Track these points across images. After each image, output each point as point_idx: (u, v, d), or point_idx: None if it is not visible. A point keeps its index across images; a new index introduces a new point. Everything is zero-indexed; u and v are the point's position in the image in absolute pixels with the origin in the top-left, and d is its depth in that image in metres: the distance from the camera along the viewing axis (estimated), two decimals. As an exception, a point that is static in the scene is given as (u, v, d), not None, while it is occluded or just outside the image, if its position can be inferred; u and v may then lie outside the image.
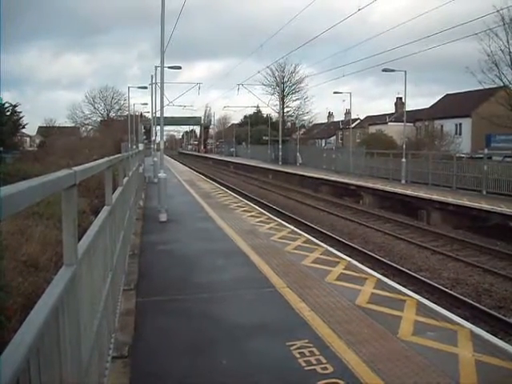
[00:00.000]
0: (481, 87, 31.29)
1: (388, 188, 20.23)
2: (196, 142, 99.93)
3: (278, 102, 51.72)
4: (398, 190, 19.48)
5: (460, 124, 39.48)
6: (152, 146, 32.77)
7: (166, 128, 67.81)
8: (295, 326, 4.79)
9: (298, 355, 4.04)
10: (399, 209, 18.48)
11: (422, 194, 17.86)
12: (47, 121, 60.89)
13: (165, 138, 20.60)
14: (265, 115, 66.57)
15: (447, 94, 47.33)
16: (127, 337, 4.44)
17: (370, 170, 27.07)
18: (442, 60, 79.38)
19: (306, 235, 9.79)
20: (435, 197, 16.92)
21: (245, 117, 73.69)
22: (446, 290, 8.85)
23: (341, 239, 13.09)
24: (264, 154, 47.52)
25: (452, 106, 41.27)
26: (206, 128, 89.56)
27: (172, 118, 65.25)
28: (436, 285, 9.10)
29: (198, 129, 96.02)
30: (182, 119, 75.34)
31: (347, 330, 4.62)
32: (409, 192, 18.57)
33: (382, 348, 4.22)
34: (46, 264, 8.02)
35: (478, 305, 8.07)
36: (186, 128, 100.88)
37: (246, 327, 4.78)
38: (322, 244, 8.97)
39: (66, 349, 1.73)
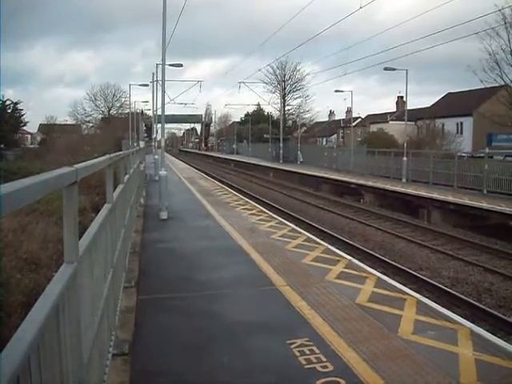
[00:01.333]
0: (482, 86, 31.32)
1: (389, 187, 20.20)
2: (197, 140, 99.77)
3: (279, 101, 51.79)
4: (399, 188, 19.47)
5: (461, 123, 39.43)
6: (153, 143, 32.78)
7: (167, 126, 67.84)
8: (295, 324, 4.78)
9: (297, 353, 4.04)
10: (400, 207, 18.47)
11: (423, 192, 17.86)
12: (48, 118, 60.97)
13: (166, 135, 20.60)
14: (266, 113, 66.61)
15: (449, 93, 47.29)
16: (128, 334, 4.44)
17: (371, 168, 27.05)
18: (444, 59, 79.39)
19: (306, 233, 9.79)
20: (436, 195, 16.91)
21: (246, 115, 73.66)
22: (447, 288, 8.85)
23: (341, 238, 13.10)
24: (265, 152, 47.49)
25: (453, 104, 41.23)
26: (206, 126, 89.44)
27: (173, 115, 65.09)
28: (436, 284, 9.10)
29: (199, 127, 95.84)
30: (183, 117, 75.17)
31: (347, 328, 4.62)
32: (409, 191, 18.56)
33: (382, 346, 4.22)
34: (46, 261, 8.03)
35: (478, 304, 8.08)
36: (187, 126, 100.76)
37: (247, 325, 4.78)
38: (322, 242, 8.96)
39: (66, 346, 1.73)
